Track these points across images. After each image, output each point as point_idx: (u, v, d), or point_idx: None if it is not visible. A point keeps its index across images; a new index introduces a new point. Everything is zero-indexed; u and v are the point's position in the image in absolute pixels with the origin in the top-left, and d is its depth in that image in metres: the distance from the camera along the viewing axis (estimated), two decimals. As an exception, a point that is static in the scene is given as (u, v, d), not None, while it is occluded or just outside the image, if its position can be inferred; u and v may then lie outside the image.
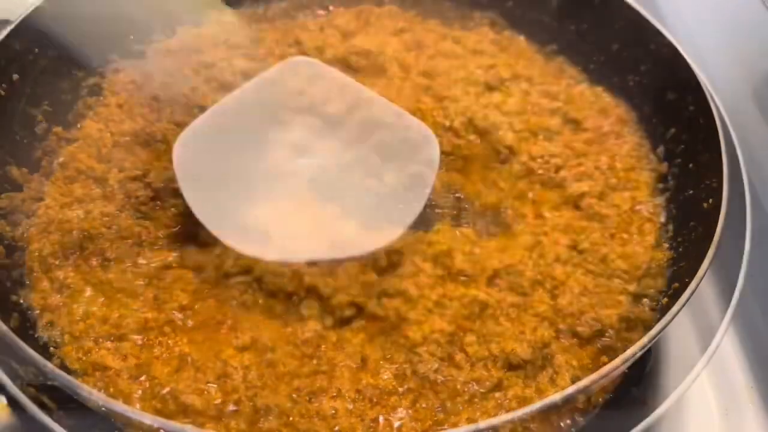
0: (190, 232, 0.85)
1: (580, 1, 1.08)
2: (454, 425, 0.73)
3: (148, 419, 0.62)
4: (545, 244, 0.87)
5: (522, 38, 1.14)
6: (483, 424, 0.64)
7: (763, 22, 1.10)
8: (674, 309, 0.83)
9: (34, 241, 0.85)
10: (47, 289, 0.81)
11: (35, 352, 0.74)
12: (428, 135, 0.85)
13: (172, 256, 0.84)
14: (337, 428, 0.72)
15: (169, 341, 0.78)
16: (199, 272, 0.83)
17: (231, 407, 0.73)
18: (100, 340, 0.77)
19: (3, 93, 0.86)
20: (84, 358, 0.76)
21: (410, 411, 0.75)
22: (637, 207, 0.94)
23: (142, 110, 0.97)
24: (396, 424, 0.74)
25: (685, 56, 0.95)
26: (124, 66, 1.03)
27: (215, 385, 0.74)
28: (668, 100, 0.98)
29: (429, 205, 0.88)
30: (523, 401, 0.75)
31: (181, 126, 0.90)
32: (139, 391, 0.74)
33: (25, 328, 0.77)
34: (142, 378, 0.75)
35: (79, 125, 0.96)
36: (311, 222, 0.84)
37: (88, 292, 0.81)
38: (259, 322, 0.78)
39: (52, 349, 0.77)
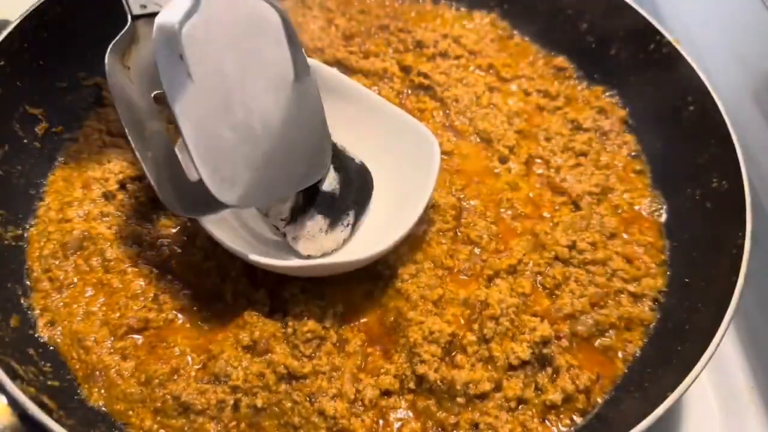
0: (190, 233, 0.85)
1: (580, 2, 1.09)
2: (454, 425, 0.73)
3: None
4: (545, 244, 0.87)
5: (522, 38, 1.14)
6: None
7: (763, 22, 1.10)
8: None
9: (34, 241, 0.85)
10: (47, 289, 0.81)
11: (35, 352, 0.75)
12: (428, 136, 0.85)
13: (172, 256, 0.84)
14: (337, 428, 0.72)
15: (170, 341, 0.78)
16: (198, 273, 0.83)
17: (231, 407, 0.73)
18: (100, 339, 0.77)
19: (3, 93, 0.86)
20: (84, 357, 0.76)
21: (410, 411, 0.75)
22: (637, 207, 0.94)
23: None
24: (396, 424, 0.74)
25: (686, 56, 0.96)
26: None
27: (215, 385, 0.74)
28: (668, 99, 0.98)
29: (430, 206, 0.88)
30: (523, 401, 0.75)
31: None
32: (140, 391, 0.74)
33: (25, 328, 0.77)
34: (142, 378, 0.75)
35: (79, 125, 0.96)
36: (329, 243, 0.84)
37: (88, 292, 0.81)
38: (260, 323, 0.78)
39: (52, 348, 0.77)
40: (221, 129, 0.71)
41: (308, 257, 0.83)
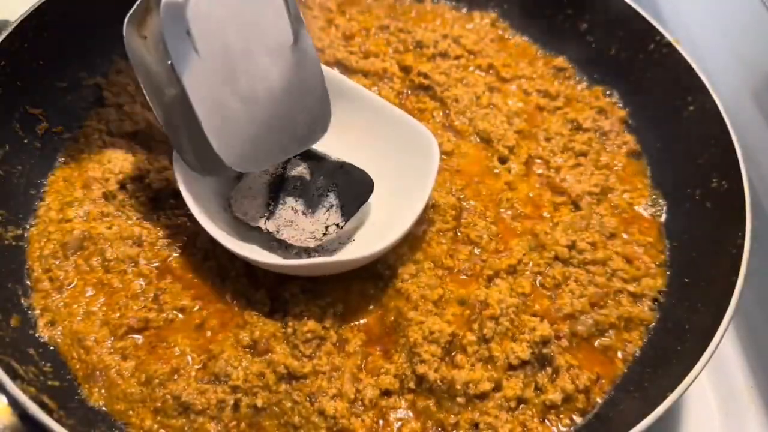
0: (190, 233, 0.85)
1: (580, 2, 1.09)
2: (454, 425, 0.73)
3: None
4: (545, 244, 0.87)
5: (522, 38, 1.15)
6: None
7: (763, 22, 1.10)
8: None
9: (34, 241, 0.85)
10: (47, 289, 0.81)
11: (35, 352, 0.75)
12: (428, 136, 0.85)
13: (172, 256, 0.84)
14: (337, 428, 0.72)
15: (170, 341, 0.78)
16: (198, 273, 0.83)
17: (231, 407, 0.73)
18: (101, 339, 0.77)
19: (3, 93, 0.86)
20: (84, 357, 0.76)
21: (410, 411, 0.75)
22: (637, 207, 0.94)
23: (142, 111, 0.97)
24: (396, 424, 0.74)
25: (685, 56, 0.96)
26: (125, 66, 1.03)
27: (215, 385, 0.74)
28: (668, 99, 0.98)
29: (430, 206, 0.88)
30: (523, 401, 0.75)
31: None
32: (140, 391, 0.74)
33: (26, 328, 0.77)
34: (143, 378, 0.75)
35: (79, 125, 0.96)
36: (310, 226, 0.84)
37: (89, 292, 0.81)
38: (260, 323, 0.78)
39: (52, 348, 0.77)
40: (227, 99, 0.74)
41: (308, 256, 0.83)
